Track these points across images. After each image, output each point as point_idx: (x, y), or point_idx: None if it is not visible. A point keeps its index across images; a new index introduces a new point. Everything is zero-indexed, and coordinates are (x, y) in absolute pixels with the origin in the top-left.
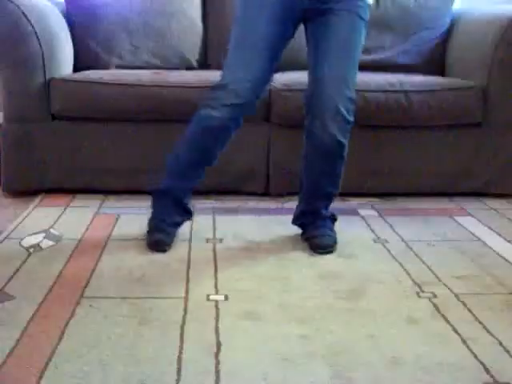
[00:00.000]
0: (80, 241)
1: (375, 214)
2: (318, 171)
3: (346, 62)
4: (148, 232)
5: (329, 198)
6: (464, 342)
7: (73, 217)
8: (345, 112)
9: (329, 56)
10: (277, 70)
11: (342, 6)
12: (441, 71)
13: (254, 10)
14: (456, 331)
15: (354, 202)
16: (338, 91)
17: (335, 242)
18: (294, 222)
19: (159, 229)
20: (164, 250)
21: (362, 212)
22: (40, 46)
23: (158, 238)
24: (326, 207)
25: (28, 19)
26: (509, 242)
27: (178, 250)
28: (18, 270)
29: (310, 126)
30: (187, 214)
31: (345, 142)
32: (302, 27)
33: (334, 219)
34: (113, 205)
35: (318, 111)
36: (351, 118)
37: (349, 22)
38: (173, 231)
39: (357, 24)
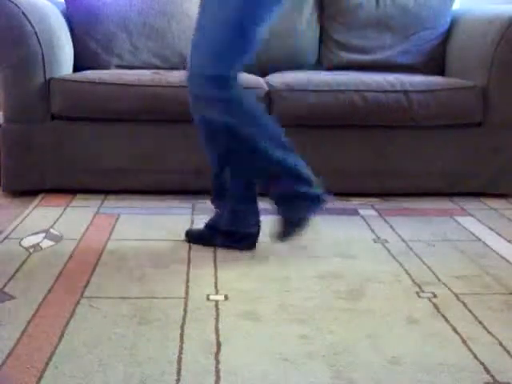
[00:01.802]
0: (80, 241)
1: (375, 214)
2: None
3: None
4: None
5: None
6: (464, 342)
7: (73, 217)
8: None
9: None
10: (276, 70)
11: None
12: (441, 71)
13: None
14: (456, 331)
15: (354, 202)
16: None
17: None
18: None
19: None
20: None
21: (362, 212)
22: (40, 45)
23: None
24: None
25: (28, 19)
26: (509, 241)
27: (178, 250)
28: (17, 270)
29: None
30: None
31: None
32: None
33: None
34: (113, 205)
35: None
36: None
37: None
38: None
39: None
